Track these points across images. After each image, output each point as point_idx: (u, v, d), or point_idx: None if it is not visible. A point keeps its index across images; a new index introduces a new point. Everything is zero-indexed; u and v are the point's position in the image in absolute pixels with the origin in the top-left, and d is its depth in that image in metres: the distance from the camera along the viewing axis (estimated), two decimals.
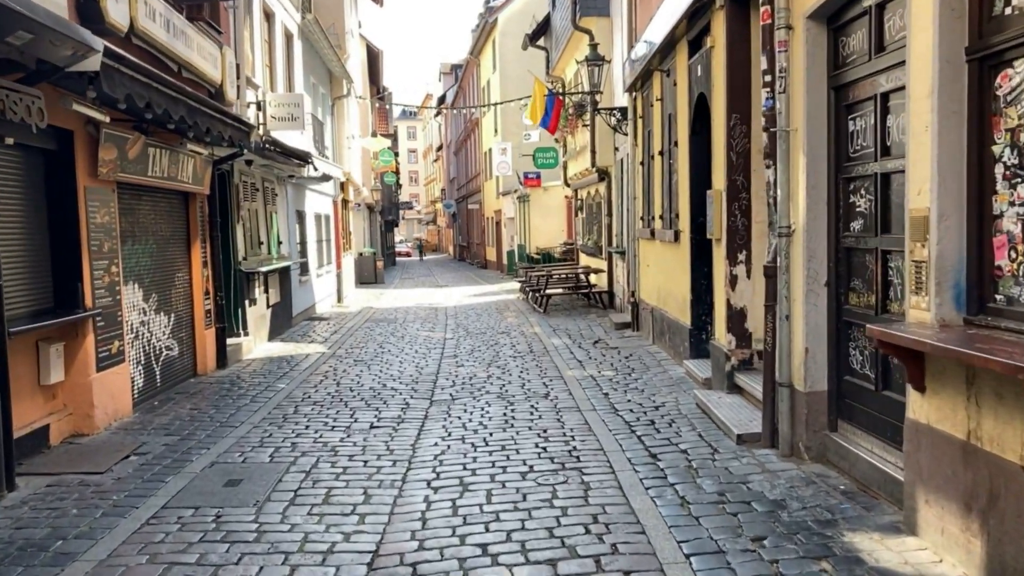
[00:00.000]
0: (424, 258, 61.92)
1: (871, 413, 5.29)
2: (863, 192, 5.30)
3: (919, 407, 4.31)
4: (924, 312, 4.17)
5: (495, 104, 25.09)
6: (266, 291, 13.57)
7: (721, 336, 8.01)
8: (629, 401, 8.35)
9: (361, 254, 33.33)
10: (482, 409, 8.36)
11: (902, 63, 4.57)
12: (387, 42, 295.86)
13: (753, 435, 6.38)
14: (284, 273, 15.07)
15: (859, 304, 5.42)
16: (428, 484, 5.92)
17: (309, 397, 9.15)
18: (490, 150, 40.72)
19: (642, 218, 12.91)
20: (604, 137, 17.46)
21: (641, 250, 13.07)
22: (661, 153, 11.10)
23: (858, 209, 5.37)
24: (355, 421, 7.98)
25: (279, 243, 15.02)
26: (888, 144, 4.98)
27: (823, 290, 5.70)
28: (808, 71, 5.64)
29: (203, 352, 10.44)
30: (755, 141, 7.63)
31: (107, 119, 7.07)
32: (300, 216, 17.43)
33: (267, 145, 12.03)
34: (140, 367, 8.72)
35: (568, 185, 23.67)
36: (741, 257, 7.68)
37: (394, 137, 65.26)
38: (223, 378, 10.32)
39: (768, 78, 6.03)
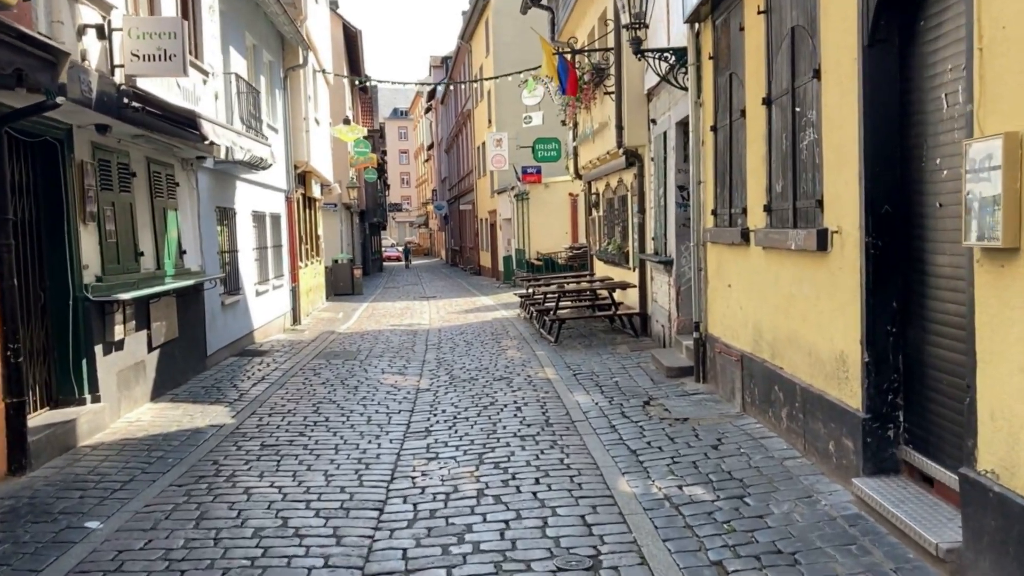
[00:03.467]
0: (411, 264, 56.79)
1: None
2: None
3: None
4: None
5: (490, 78, 20.69)
6: (144, 326, 9.04)
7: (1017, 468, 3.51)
8: None
9: (336, 261, 28.89)
10: None
11: None
12: (376, 40, 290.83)
13: None
14: (188, 295, 10.53)
15: None
16: None
17: (120, 567, 4.62)
18: (483, 144, 36.28)
19: (715, 212, 8.42)
20: (635, 107, 13.01)
21: (713, 260, 8.58)
22: (768, 102, 6.61)
23: None
24: None
25: (181, 252, 10.50)
26: None
27: None
28: None
29: None
30: None
31: None
32: (226, 215, 12.91)
33: (125, 99, 7.52)
34: None
35: (579, 177, 19.19)
36: None
37: (381, 134, 60.79)
38: (2, 500, 5.78)
39: None
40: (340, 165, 31.89)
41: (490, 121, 35.34)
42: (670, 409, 7.88)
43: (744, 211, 7.36)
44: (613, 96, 13.59)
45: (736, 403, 7.67)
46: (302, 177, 20.24)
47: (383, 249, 66.77)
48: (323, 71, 20.80)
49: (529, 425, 7.70)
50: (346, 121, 25.88)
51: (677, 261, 10.86)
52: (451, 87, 51.97)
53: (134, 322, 8.62)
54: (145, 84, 8.32)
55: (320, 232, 24.41)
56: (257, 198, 14.90)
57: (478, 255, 42.18)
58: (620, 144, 13.33)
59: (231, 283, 13.04)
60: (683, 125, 10.68)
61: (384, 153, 68.22)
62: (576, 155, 18.51)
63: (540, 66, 18.78)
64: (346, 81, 35.94)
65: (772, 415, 6.68)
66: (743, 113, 7.34)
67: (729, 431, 6.90)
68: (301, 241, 19.82)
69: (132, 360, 8.64)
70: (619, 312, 13.74)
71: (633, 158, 13.48)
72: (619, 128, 13.30)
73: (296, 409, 8.81)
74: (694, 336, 9.08)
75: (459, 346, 13.81)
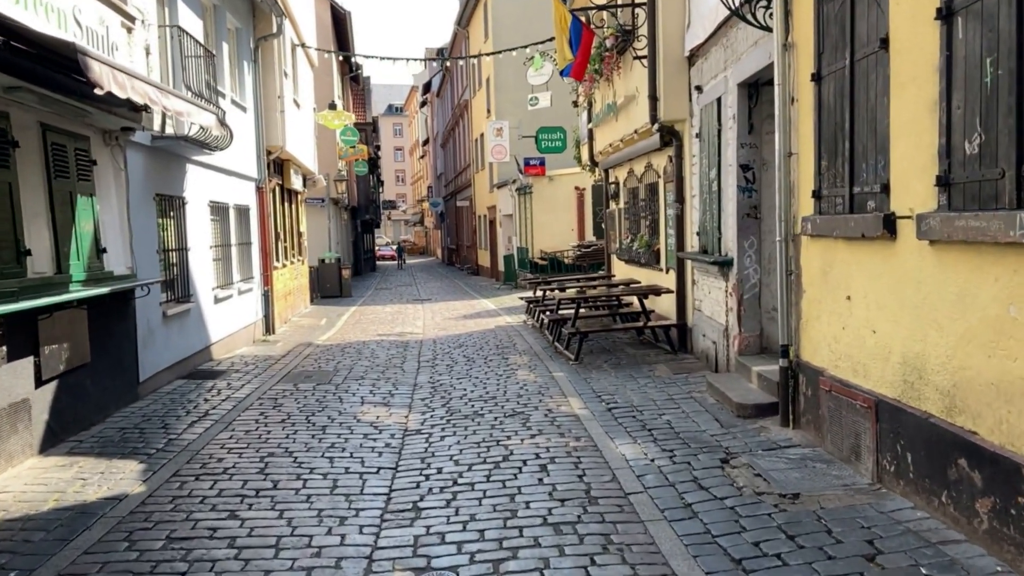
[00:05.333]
0: (404, 264, 53.64)
1: None
2: None
3: None
4: None
5: (492, 54, 18.27)
6: (29, 351, 6.61)
7: None
8: None
9: (323, 261, 26.50)
10: None
11: None
12: (367, 31, 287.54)
13: None
14: (108, 306, 8.12)
15: None
16: None
17: None
18: (482, 135, 33.90)
19: (818, 194, 6.03)
20: (673, 72, 10.64)
21: (816, 261, 6.19)
22: (947, 14, 4.22)
23: None
24: None
25: (99, 251, 8.09)
26: None
27: None
28: None
29: None
30: None
31: None
32: (172, 205, 10.48)
33: None
34: None
35: (594, 165, 16.79)
36: None
37: (375, 128, 58.26)
38: None
39: None
40: (328, 157, 29.49)
41: (489, 111, 32.99)
42: (765, 475, 5.47)
43: (885, 189, 4.96)
44: (644, 61, 11.21)
45: (864, 469, 5.28)
46: (279, 166, 17.84)
47: (377, 248, 64.27)
48: (302, 45, 18.34)
49: (563, 501, 5.30)
50: (331, 106, 23.43)
51: (739, 261, 8.47)
52: (447, 67, 49.73)
53: (5, 348, 6.20)
54: (15, 12, 5.90)
55: (303, 228, 22.01)
56: (217, 186, 12.48)
57: (476, 254, 39.81)
58: (654, 119, 10.94)
59: (179, 289, 10.63)
60: (750, 86, 8.32)
61: (378, 148, 65.72)
62: (591, 139, 16.11)
63: (549, 39, 16.44)
64: (335, 69, 33.51)
65: (951, 502, 4.28)
66: (883, 44, 4.94)
67: (879, 524, 4.49)
68: (278, 238, 17.41)
69: (5, 400, 6.21)
70: (652, 324, 11.34)
71: (669, 136, 11.09)
72: (652, 99, 10.90)
73: (237, 467, 6.40)
74: (780, 364, 6.68)
75: (458, 363, 11.42)
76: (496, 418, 7.84)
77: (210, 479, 6.06)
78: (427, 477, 6.02)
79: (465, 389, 9.45)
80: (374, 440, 7.19)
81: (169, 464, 6.47)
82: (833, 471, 5.47)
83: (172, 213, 10.53)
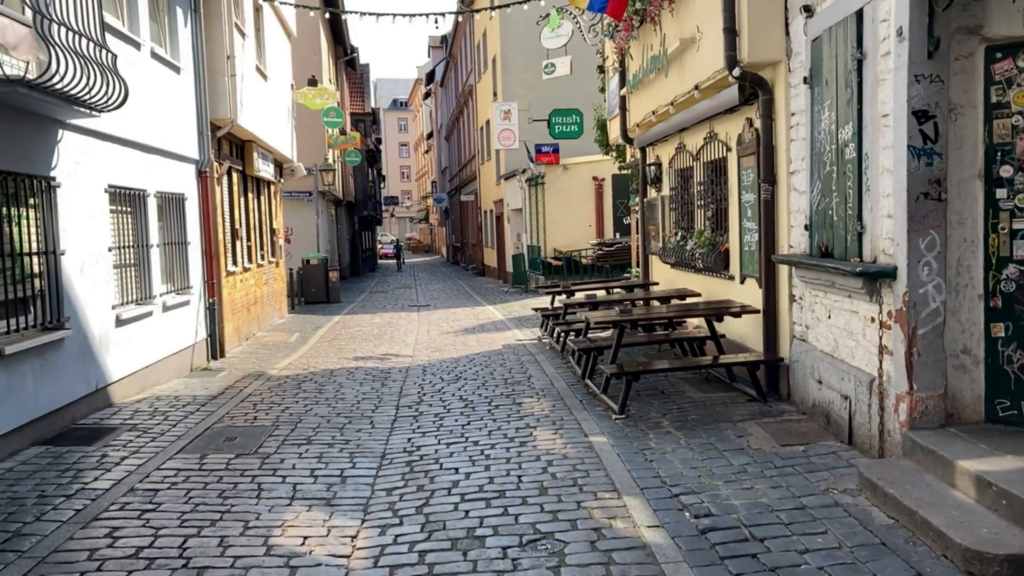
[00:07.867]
0: (403, 264, 47.78)
1: None
2: None
3: None
4: None
5: (498, 7, 14.90)
6: None
7: None
8: None
9: (307, 262, 23.15)
10: None
11: None
12: (367, 27, 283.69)
13: None
14: None
15: None
16: None
17: None
18: (488, 122, 30.54)
19: None
20: None
21: None
22: None
23: None
24: None
25: None
26: None
27: None
28: None
29: None
30: None
31: None
32: (28, 188, 7.11)
33: None
34: None
35: (628, 143, 13.36)
36: None
37: (375, 120, 54.91)
38: None
39: None
40: (315, 145, 26.21)
41: (496, 93, 29.62)
42: None
43: None
44: None
45: None
46: (239, 148, 14.52)
47: (380, 246, 60.73)
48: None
49: None
50: (311, 82, 20.09)
51: (910, 272, 5.07)
52: (451, 66, 46.35)
53: None
54: None
55: (278, 225, 18.67)
56: (125, 165, 9.12)
57: (482, 253, 36.41)
58: (733, 63, 7.54)
59: (40, 311, 7.27)
60: None
61: (379, 141, 62.35)
62: (624, 109, 12.66)
63: None
64: (325, 50, 30.17)
65: None
66: None
67: None
68: (236, 236, 14.09)
69: None
70: (732, 362, 7.90)
71: (753, 88, 7.71)
72: (730, 34, 7.53)
73: None
74: None
75: (452, 411, 8.07)
76: (506, 551, 4.47)
77: None
78: None
79: (457, 469, 6.08)
80: None
81: None
82: None
83: (31, 200, 7.17)
